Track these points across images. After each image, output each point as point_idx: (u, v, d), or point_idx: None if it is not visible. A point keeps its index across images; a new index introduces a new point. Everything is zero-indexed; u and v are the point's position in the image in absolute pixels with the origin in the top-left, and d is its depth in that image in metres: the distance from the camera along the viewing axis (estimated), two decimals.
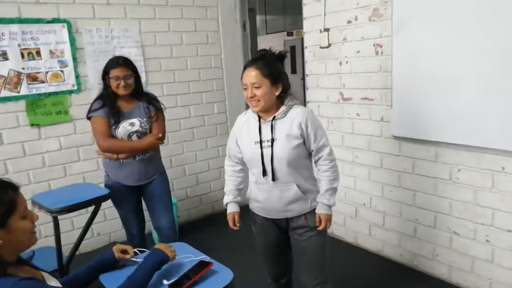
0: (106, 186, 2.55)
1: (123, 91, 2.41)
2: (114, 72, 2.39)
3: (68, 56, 3.21)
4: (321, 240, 1.96)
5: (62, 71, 3.19)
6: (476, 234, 2.46)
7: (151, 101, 2.55)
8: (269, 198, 1.90)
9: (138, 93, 2.51)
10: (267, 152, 1.83)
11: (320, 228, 1.89)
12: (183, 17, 3.73)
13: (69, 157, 3.27)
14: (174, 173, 3.78)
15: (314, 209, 1.92)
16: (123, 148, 2.46)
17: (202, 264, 1.53)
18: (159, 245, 1.59)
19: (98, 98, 2.50)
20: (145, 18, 3.52)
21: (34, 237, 1.27)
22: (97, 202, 2.32)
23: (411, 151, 2.71)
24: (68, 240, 2.81)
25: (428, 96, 2.50)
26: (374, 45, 2.78)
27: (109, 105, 2.43)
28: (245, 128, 1.92)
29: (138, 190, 2.62)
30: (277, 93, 1.82)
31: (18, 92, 3.02)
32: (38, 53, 3.09)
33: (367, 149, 2.97)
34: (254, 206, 2.02)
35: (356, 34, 2.89)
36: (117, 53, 3.40)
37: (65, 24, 3.16)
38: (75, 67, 3.24)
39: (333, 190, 1.91)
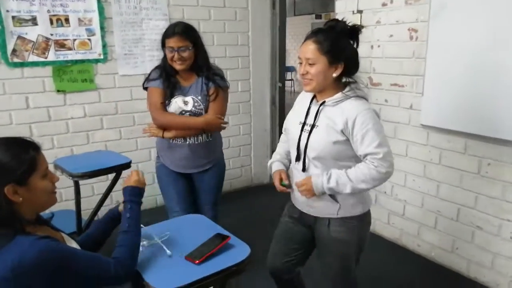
0: (156, 168, 2.33)
1: (178, 65, 2.07)
2: (169, 42, 2.04)
3: (96, 25, 3.20)
4: (344, 251, 1.69)
5: (89, 39, 3.19)
6: (500, 230, 2.39)
7: (213, 77, 2.14)
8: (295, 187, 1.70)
9: (197, 67, 2.13)
10: (304, 137, 1.62)
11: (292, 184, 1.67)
12: None
13: (93, 125, 3.30)
14: None
15: (342, 218, 1.64)
16: (174, 122, 2.12)
17: (219, 237, 1.52)
18: (125, 182, 1.51)
19: (157, 67, 2.21)
20: None
21: (54, 198, 1.28)
22: (118, 169, 2.33)
23: (439, 141, 2.63)
24: (87, 206, 2.86)
25: (461, 85, 2.40)
26: (409, 29, 2.68)
27: (164, 77, 2.13)
28: (298, 105, 1.73)
29: (188, 177, 2.30)
30: (334, 75, 1.54)
31: (46, 58, 3.04)
32: (67, 20, 3.09)
33: (393, 136, 2.89)
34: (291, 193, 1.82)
35: (390, 17, 2.79)
36: (144, 26, 3.40)
37: None
38: (103, 37, 3.23)
39: (348, 184, 1.54)
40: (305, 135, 1.62)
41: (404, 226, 2.98)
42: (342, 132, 1.54)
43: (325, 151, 1.57)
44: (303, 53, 1.55)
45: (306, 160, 1.63)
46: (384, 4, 2.81)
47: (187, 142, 2.17)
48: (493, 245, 2.44)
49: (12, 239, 1.12)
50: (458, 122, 2.46)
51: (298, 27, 11.91)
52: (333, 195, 1.62)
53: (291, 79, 12.41)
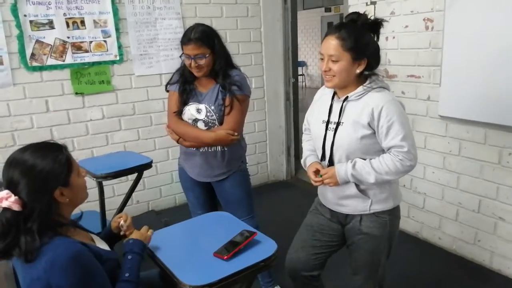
0: (178, 169, 2.28)
1: (196, 72, 1.99)
2: (186, 49, 1.96)
3: (111, 26, 3.23)
4: (376, 247, 1.66)
5: (105, 41, 3.23)
6: None
7: (229, 86, 2.00)
8: (324, 186, 1.67)
9: (215, 73, 2.02)
10: (329, 135, 1.59)
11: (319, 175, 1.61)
12: None
13: (111, 126, 3.35)
14: None
15: (375, 213, 1.62)
16: (187, 134, 2.05)
17: (246, 234, 1.52)
18: (130, 232, 1.48)
19: (178, 69, 2.14)
20: None
21: (87, 192, 1.34)
22: (140, 170, 2.37)
23: (458, 132, 2.61)
24: (109, 206, 2.89)
25: (479, 75, 2.37)
26: (424, 19, 2.65)
27: (182, 82, 2.07)
28: (319, 103, 1.70)
29: (207, 185, 2.21)
30: (358, 71, 1.52)
31: (63, 61, 3.09)
32: (83, 22, 3.13)
33: (411, 128, 2.86)
34: (318, 190, 1.81)
35: (405, 8, 2.76)
36: (158, 25, 3.42)
37: None
38: (118, 38, 3.26)
39: (372, 174, 1.52)
40: (330, 133, 1.60)
41: (424, 219, 2.96)
42: (369, 124, 1.52)
43: (353, 148, 1.55)
44: (326, 49, 1.51)
45: (334, 159, 1.60)
46: None
47: (200, 151, 2.10)
48: None
49: (52, 240, 1.16)
50: (477, 112, 2.43)
51: (308, 21, 11.86)
52: (364, 191, 1.61)
53: (302, 74, 12.36)
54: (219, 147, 2.09)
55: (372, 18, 1.54)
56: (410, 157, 1.51)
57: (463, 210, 2.69)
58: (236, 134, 2.02)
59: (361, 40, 1.50)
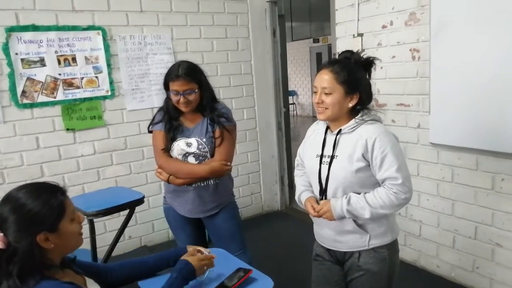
0: (164, 209, 2.25)
1: (184, 108, 2.00)
2: (173, 86, 1.96)
3: (102, 63, 3.26)
4: (376, 283, 1.64)
5: (96, 77, 3.25)
6: None
7: (217, 118, 2.04)
8: (321, 222, 1.66)
9: (202, 107, 2.05)
10: (324, 169, 1.59)
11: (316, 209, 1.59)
12: (214, 24, 3.75)
13: (103, 161, 3.32)
14: None
15: (373, 249, 1.60)
16: (180, 171, 2.03)
17: (241, 271, 1.49)
18: (188, 255, 1.50)
19: (161, 108, 2.14)
20: (177, 25, 3.56)
21: (81, 239, 1.28)
22: (131, 206, 2.33)
23: (450, 159, 2.62)
24: (101, 243, 2.84)
25: (468, 102, 2.41)
26: (410, 50, 2.72)
27: (167, 120, 2.07)
28: (312, 139, 1.72)
29: (198, 221, 2.19)
30: (350, 105, 1.55)
31: (55, 98, 3.09)
32: (74, 59, 3.15)
33: (404, 157, 2.88)
34: (314, 228, 1.78)
35: (391, 39, 2.83)
36: (150, 60, 3.46)
37: (100, 31, 3.22)
38: (109, 73, 3.29)
39: (367, 209, 1.50)
40: (325, 167, 1.59)
41: (421, 247, 2.93)
42: (363, 156, 1.52)
43: (349, 181, 1.54)
44: (319, 82, 1.55)
45: (329, 192, 1.59)
46: (384, 26, 2.86)
47: (193, 186, 2.07)
48: None
49: (38, 283, 1.11)
50: (468, 138, 2.46)
51: (297, 51, 12.12)
52: (362, 226, 1.59)
53: (293, 103, 12.52)
54: (212, 180, 2.08)
55: (365, 56, 1.59)
56: (404, 189, 1.50)
57: (460, 237, 2.67)
58: (229, 164, 2.05)
59: (354, 75, 1.54)
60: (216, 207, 2.13)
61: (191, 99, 1.98)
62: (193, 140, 2.04)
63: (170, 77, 1.98)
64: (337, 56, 1.70)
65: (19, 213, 1.13)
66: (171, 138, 2.06)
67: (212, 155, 2.05)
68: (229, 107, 2.15)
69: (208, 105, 2.04)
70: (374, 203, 1.51)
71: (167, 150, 2.07)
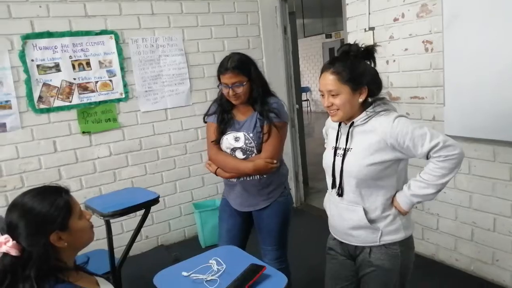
0: (221, 200, 2.29)
1: (234, 100, 2.00)
2: (223, 79, 1.97)
3: (116, 66, 3.31)
4: (387, 280, 1.61)
5: (110, 80, 3.30)
6: None
7: (267, 113, 2.00)
8: (334, 214, 1.66)
9: (253, 100, 2.03)
10: (338, 161, 1.58)
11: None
12: (224, 24, 3.76)
13: (119, 163, 3.37)
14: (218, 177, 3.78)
15: (385, 245, 1.58)
16: (226, 165, 2.06)
17: (254, 268, 1.50)
18: None
19: (215, 100, 2.16)
20: (188, 26, 3.58)
21: (92, 232, 1.31)
22: (147, 206, 2.36)
23: (466, 151, 2.52)
24: (118, 243, 2.88)
25: (483, 92, 2.37)
26: (423, 42, 2.68)
27: (219, 112, 2.10)
28: (330, 130, 1.71)
29: (248, 215, 2.19)
30: (360, 100, 1.52)
31: (70, 102, 3.15)
32: (88, 63, 3.21)
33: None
34: (328, 220, 1.76)
35: (403, 31, 2.80)
36: (162, 62, 3.50)
37: (112, 35, 3.27)
38: (123, 76, 3.34)
39: (429, 186, 1.50)
40: (338, 159, 1.58)
41: (439, 240, 2.89)
42: (379, 150, 1.49)
43: (363, 173, 1.52)
44: (324, 85, 1.52)
45: (342, 185, 1.58)
46: (395, 19, 2.83)
47: (240, 179, 2.09)
48: None
49: (53, 286, 1.14)
50: (484, 129, 2.41)
51: (310, 48, 12.07)
52: (373, 221, 1.56)
53: (307, 99, 12.46)
54: (257, 176, 2.06)
55: (364, 46, 1.54)
56: (449, 149, 1.45)
57: (478, 230, 2.62)
58: (275, 162, 2.01)
59: (356, 70, 1.49)
60: (265, 201, 2.11)
61: (239, 92, 1.97)
62: (241, 135, 2.04)
63: (220, 70, 1.99)
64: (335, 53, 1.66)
65: (29, 217, 1.15)
66: (221, 131, 2.08)
67: (259, 151, 2.03)
68: (283, 103, 2.11)
69: (259, 98, 2.02)
70: (430, 179, 1.49)
71: (217, 142, 2.09)
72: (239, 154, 2.06)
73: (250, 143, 2.03)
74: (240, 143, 2.04)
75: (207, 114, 2.17)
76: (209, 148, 2.13)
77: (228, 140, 2.07)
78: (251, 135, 2.02)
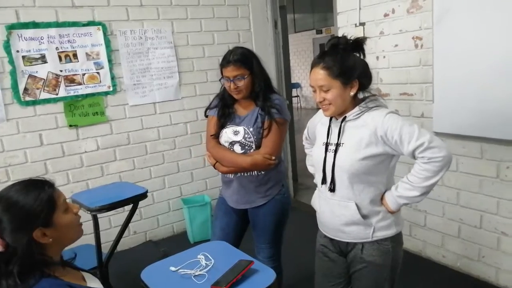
0: (218, 199, 2.28)
1: (235, 94, 2.00)
2: (225, 72, 1.97)
3: (103, 58, 3.26)
4: (379, 275, 1.62)
5: (98, 72, 3.25)
6: None
7: (268, 108, 1.99)
8: (325, 211, 1.65)
9: (255, 95, 2.02)
10: (330, 157, 1.58)
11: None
12: (214, 17, 3.73)
13: (106, 157, 3.32)
14: (207, 172, 3.78)
15: (377, 241, 1.58)
16: (224, 159, 2.04)
17: (243, 263, 1.50)
18: None
19: (218, 94, 2.16)
20: (177, 18, 3.54)
21: (80, 229, 1.28)
22: (135, 200, 2.33)
23: (454, 148, 2.59)
24: (106, 238, 2.85)
25: (472, 89, 2.38)
26: (413, 38, 2.68)
27: (221, 106, 2.10)
28: (319, 126, 1.70)
29: (243, 213, 2.17)
30: (352, 93, 1.51)
31: (57, 94, 3.09)
32: (75, 55, 3.15)
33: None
34: (317, 217, 1.76)
35: (393, 27, 2.80)
36: (151, 55, 3.45)
37: (100, 27, 3.21)
38: (111, 69, 3.28)
39: (414, 188, 1.51)
40: (330, 155, 1.58)
41: (426, 237, 2.92)
42: (370, 144, 1.49)
43: (355, 168, 1.51)
44: (315, 81, 1.52)
45: (334, 181, 1.57)
46: (386, 15, 2.83)
47: (237, 175, 2.07)
48: None
49: (38, 282, 1.11)
50: (472, 127, 2.43)
51: (300, 43, 12.06)
52: (367, 217, 1.57)
53: (297, 96, 12.47)
54: (255, 172, 2.05)
55: (353, 38, 1.53)
56: (434, 150, 1.44)
57: (465, 226, 2.65)
58: (273, 158, 1.99)
59: (346, 63, 1.49)
60: (262, 199, 2.08)
61: (240, 85, 1.96)
62: (241, 129, 2.03)
63: (222, 63, 1.99)
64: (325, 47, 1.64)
65: (12, 211, 1.12)
66: (221, 125, 2.08)
67: (257, 146, 2.02)
68: (285, 100, 2.10)
69: (261, 93, 2.01)
70: (415, 181, 1.50)
71: (216, 136, 2.09)
72: (237, 148, 2.05)
73: (250, 137, 2.01)
74: (239, 137, 2.02)
75: (208, 108, 2.16)
76: (208, 141, 2.13)
77: (227, 134, 2.06)
78: (251, 129, 2.01)
